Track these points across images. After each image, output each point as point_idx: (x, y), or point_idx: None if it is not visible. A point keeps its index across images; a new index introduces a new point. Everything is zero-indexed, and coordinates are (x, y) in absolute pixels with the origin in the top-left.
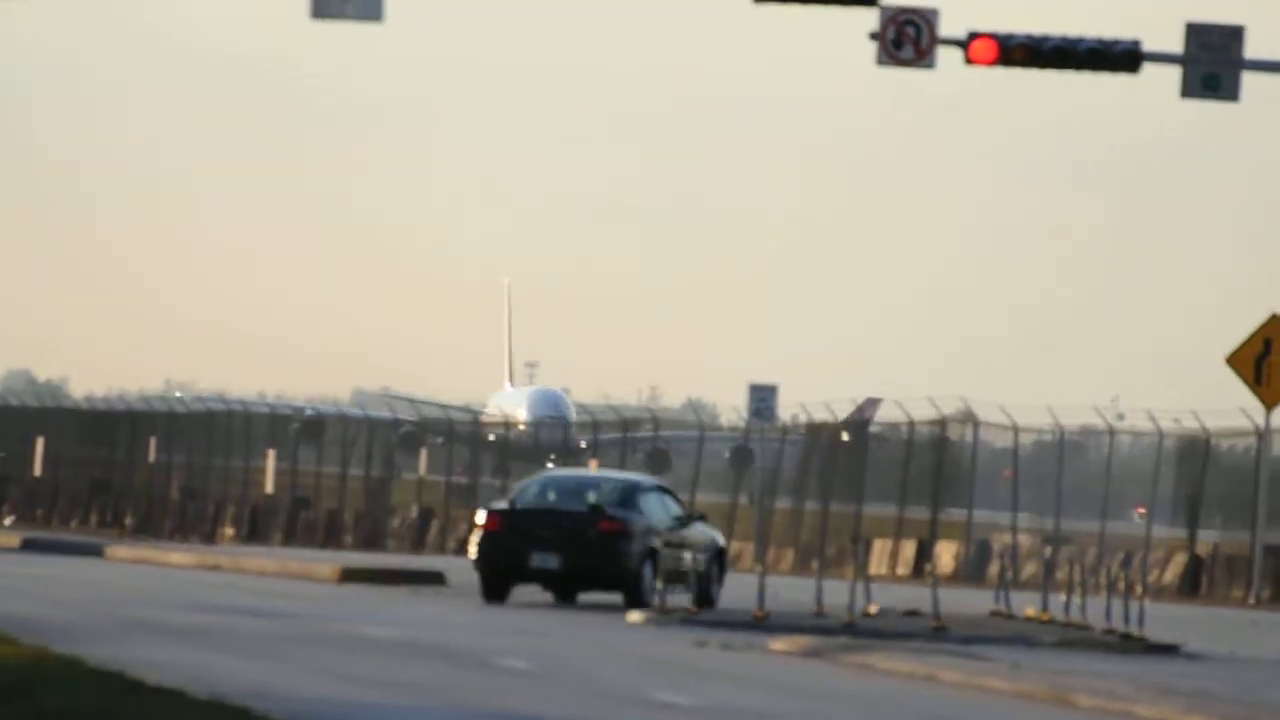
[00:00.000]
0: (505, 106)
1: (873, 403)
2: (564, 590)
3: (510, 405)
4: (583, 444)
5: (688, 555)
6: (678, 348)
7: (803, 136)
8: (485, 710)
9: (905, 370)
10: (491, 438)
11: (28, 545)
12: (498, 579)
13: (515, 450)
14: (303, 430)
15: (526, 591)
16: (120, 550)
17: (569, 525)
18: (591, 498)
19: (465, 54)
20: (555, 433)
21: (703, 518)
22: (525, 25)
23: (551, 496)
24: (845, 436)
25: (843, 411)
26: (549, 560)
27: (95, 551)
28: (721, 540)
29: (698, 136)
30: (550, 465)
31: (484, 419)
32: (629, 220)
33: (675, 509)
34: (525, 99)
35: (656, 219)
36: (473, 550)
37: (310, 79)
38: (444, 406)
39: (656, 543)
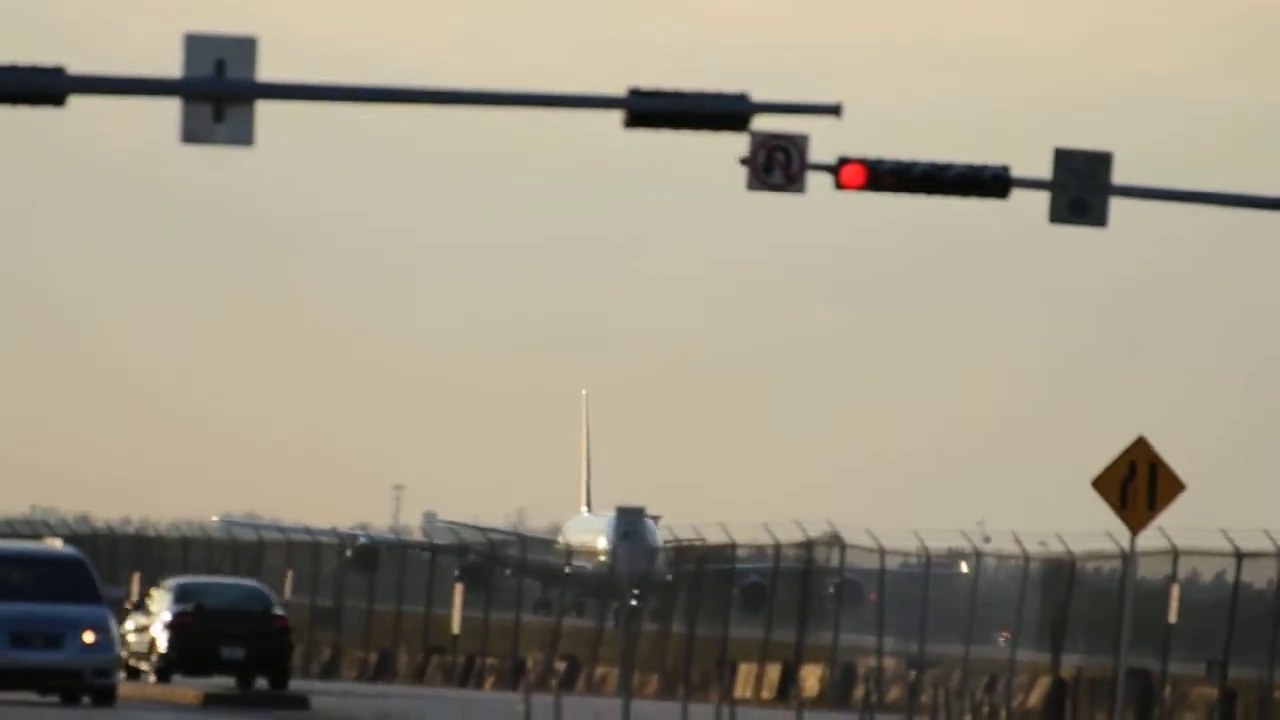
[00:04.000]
0: (378, 229)
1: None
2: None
3: (589, 533)
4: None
5: None
6: (545, 470)
7: (669, 262)
8: None
9: (772, 493)
10: (568, 570)
11: None
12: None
13: (592, 583)
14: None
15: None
16: None
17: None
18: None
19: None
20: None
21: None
22: (402, 154)
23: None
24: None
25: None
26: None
27: None
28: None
29: (569, 262)
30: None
31: (558, 548)
32: (493, 340)
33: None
34: (404, 227)
35: (526, 341)
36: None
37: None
38: (484, 530)
39: None
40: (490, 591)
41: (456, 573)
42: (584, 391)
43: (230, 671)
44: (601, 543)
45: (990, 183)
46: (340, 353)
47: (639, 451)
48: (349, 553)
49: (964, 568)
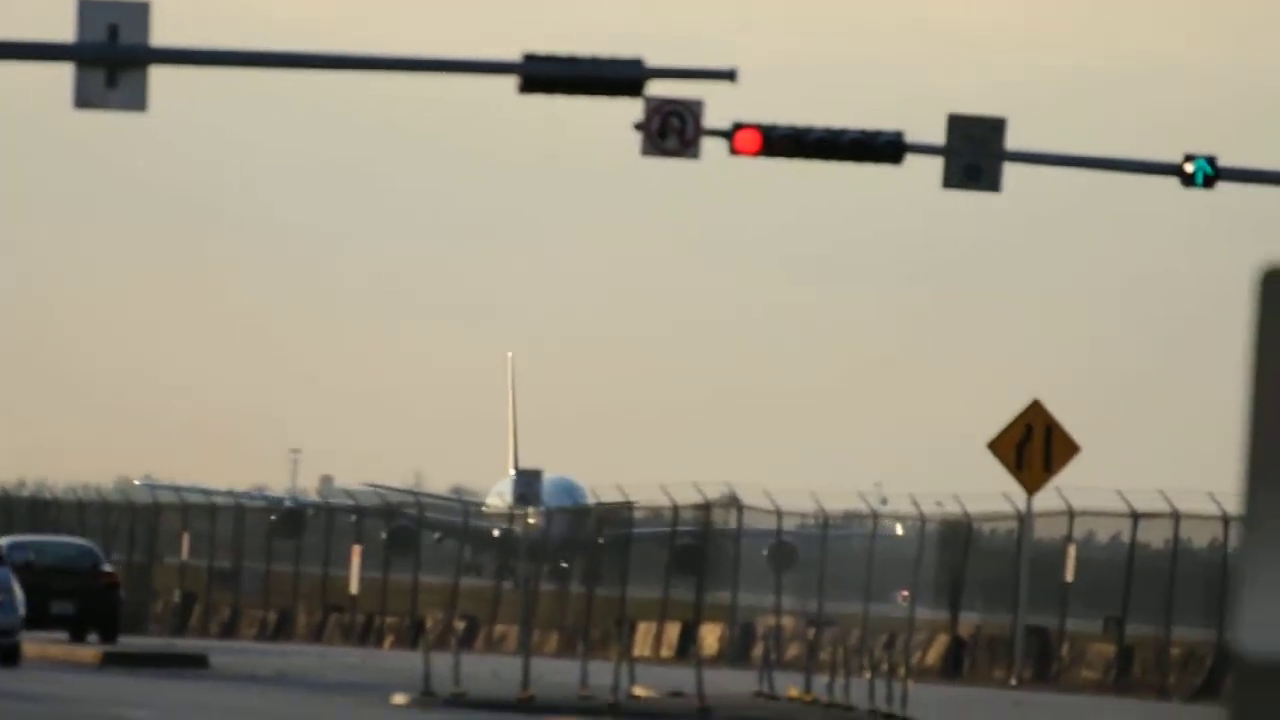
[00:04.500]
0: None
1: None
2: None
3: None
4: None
5: None
6: (441, 434)
7: (563, 224)
8: None
9: (670, 455)
10: (497, 532)
11: None
12: None
13: (526, 546)
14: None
15: None
16: None
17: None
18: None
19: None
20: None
21: None
22: (288, 115)
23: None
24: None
25: (605, 496)
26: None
27: None
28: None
29: (464, 221)
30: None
31: (487, 510)
32: (392, 305)
33: None
34: (299, 192)
35: (415, 305)
36: None
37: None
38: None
39: None
40: (419, 555)
41: (384, 536)
42: (509, 354)
43: (62, 626)
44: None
45: (884, 148)
46: (237, 317)
47: (543, 416)
48: (274, 517)
49: (899, 530)
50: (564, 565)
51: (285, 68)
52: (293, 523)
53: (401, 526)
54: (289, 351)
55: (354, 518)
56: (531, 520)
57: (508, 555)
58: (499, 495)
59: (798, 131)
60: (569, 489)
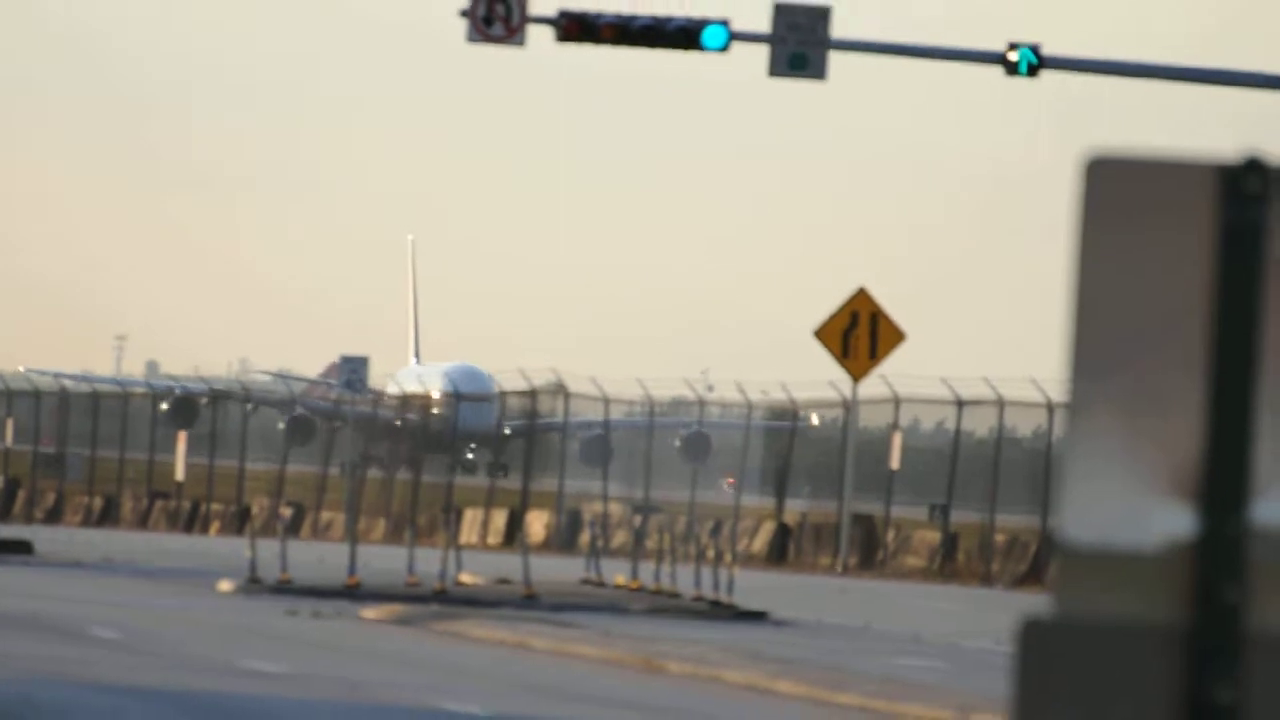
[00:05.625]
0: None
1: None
2: None
3: (422, 383)
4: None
5: None
6: (267, 320)
7: (394, 113)
8: (79, 682)
9: (499, 342)
10: (399, 422)
11: None
12: None
13: (432, 435)
14: None
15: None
16: None
17: None
18: None
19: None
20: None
21: None
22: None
23: None
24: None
25: (428, 386)
26: None
27: None
28: None
29: (285, 109)
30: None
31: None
32: (218, 189)
33: None
34: (127, 67)
35: (248, 188)
36: None
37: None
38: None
39: None
40: (316, 444)
41: (281, 426)
42: (410, 237)
43: None
44: (435, 394)
45: (710, 36)
46: (63, 200)
47: (369, 305)
48: (165, 405)
49: (815, 420)
50: (470, 455)
51: None
52: (187, 410)
53: (300, 416)
54: (116, 235)
55: (251, 406)
56: (435, 410)
57: (441, 449)
58: (411, 381)
59: (623, 19)
60: (473, 376)
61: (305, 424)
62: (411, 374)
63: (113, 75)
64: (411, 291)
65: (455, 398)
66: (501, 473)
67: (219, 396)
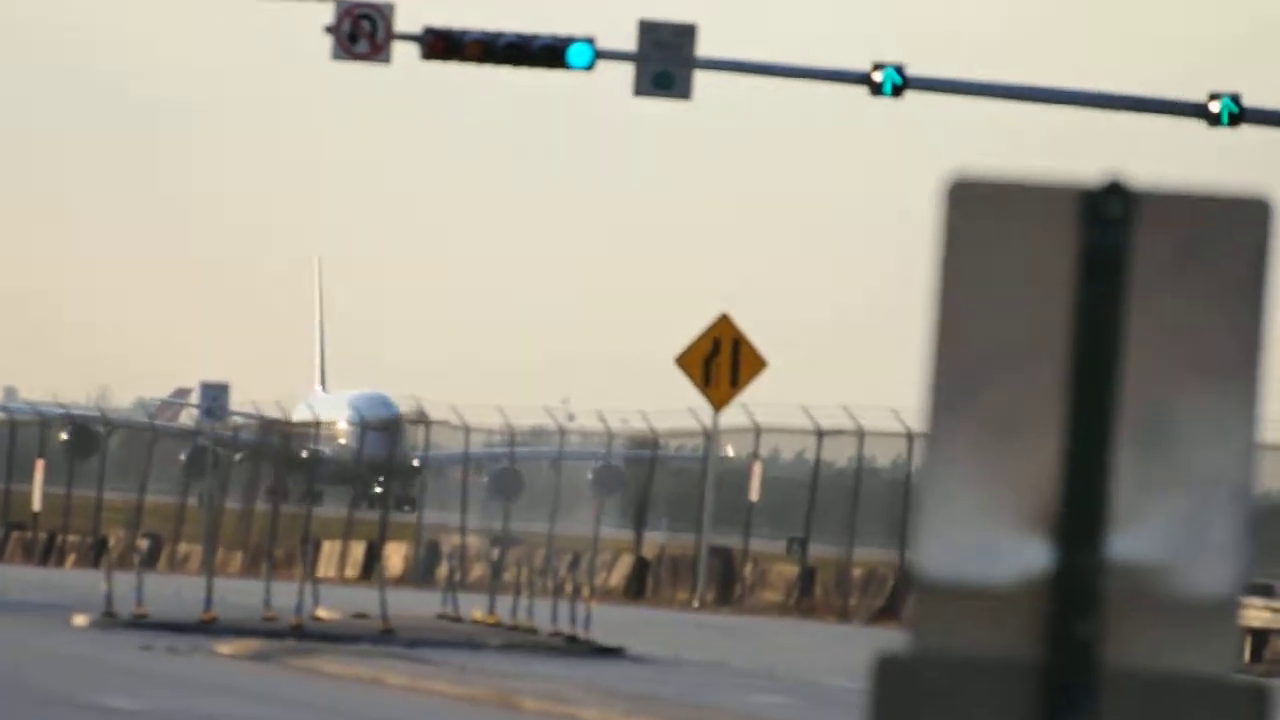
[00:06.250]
0: None
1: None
2: None
3: (326, 411)
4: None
5: None
6: (128, 347)
7: (251, 130)
8: None
9: (364, 369)
10: (304, 454)
11: None
12: None
13: (337, 468)
14: None
15: None
16: None
17: None
18: None
19: None
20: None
21: None
22: None
23: None
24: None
25: (294, 410)
26: None
27: None
28: None
29: (147, 129)
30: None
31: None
32: (74, 214)
33: None
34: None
35: (104, 212)
36: None
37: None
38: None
39: None
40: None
41: (182, 458)
42: (317, 257)
43: None
44: (342, 424)
45: (576, 54)
46: None
47: (233, 331)
48: (64, 435)
49: (729, 451)
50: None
51: None
52: (86, 441)
53: (199, 448)
54: None
55: (151, 436)
56: (342, 440)
57: (349, 480)
58: (308, 409)
59: (489, 36)
60: (381, 403)
61: (202, 455)
62: (319, 401)
63: None
64: (318, 315)
65: (361, 427)
66: (408, 507)
67: (116, 426)
